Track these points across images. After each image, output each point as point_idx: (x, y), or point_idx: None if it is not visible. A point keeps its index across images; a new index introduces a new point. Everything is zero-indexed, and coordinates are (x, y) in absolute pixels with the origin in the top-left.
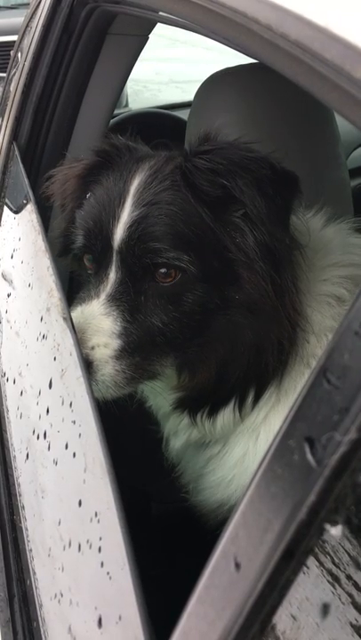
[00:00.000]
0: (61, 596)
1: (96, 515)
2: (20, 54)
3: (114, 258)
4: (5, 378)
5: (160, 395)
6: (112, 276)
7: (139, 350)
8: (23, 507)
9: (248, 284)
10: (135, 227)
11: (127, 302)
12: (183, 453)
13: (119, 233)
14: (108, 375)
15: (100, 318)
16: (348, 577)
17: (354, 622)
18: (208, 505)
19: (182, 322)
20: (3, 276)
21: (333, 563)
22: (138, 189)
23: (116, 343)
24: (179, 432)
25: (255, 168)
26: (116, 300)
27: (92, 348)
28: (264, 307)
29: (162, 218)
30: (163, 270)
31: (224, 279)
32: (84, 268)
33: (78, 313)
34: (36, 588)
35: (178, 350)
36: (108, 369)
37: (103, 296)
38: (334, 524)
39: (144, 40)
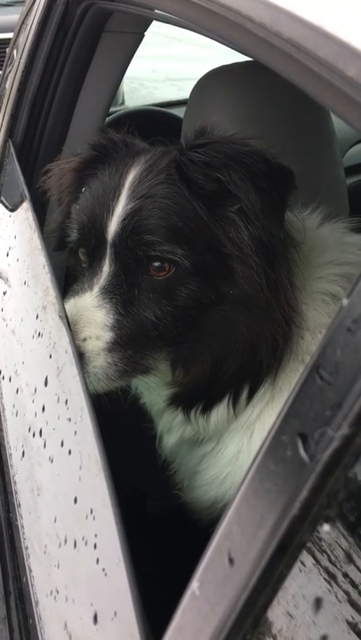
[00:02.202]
0: (57, 592)
1: (92, 512)
2: (15, 52)
3: (108, 251)
4: (1, 376)
5: (154, 391)
6: (105, 269)
7: (131, 343)
8: (19, 504)
9: (242, 279)
10: (129, 220)
11: (120, 295)
12: (177, 450)
13: (113, 226)
14: (99, 367)
15: (93, 310)
16: (345, 575)
17: (350, 620)
18: (202, 502)
19: (176, 316)
20: None
21: (330, 561)
22: (133, 183)
23: (108, 335)
24: (173, 429)
25: (250, 162)
26: (110, 292)
27: (84, 339)
28: (258, 302)
29: (156, 211)
30: (156, 264)
31: (218, 274)
32: (79, 262)
33: (71, 305)
34: (32, 585)
35: (171, 345)
36: (99, 361)
37: (96, 289)
38: (328, 520)
39: (140, 37)
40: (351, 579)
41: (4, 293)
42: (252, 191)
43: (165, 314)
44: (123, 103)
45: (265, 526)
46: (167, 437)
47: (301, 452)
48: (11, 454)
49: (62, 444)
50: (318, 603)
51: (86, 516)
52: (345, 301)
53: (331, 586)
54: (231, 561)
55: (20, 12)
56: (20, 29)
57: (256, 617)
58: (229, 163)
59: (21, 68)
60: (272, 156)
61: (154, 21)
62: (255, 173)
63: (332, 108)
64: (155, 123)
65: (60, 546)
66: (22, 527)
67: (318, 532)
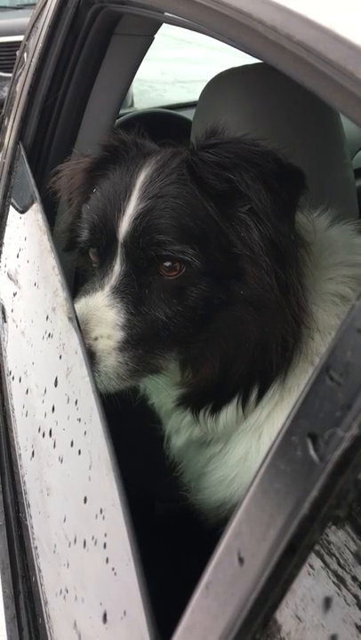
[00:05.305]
0: (66, 592)
1: (101, 511)
2: (26, 54)
3: (119, 250)
4: (11, 376)
5: (163, 391)
6: (117, 268)
7: (142, 343)
8: (29, 504)
9: (253, 280)
10: (140, 219)
11: (131, 295)
12: (185, 452)
13: (124, 226)
14: (110, 367)
15: (104, 310)
16: (354, 578)
17: (359, 623)
18: (210, 504)
19: (186, 316)
20: (8, 275)
21: (339, 564)
22: (144, 183)
23: (119, 335)
24: (181, 430)
25: (261, 162)
26: (121, 292)
27: (95, 338)
28: (268, 302)
29: (167, 211)
30: (167, 263)
31: (229, 274)
32: (89, 262)
33: (82, 304)
34: (41, 584)
35: (181, 345)
36: (110, 360)
37: (107, 288)
38: (337, 521)
39: (150, 40)
40: None
41: (15, 294)
42: (263, 191)
43: (176, 313)
44: (132, 105)
45: (275, 526)
46: (175, 438)
47: (311, 452)
48: (20, 454)
49: (72, 445)
50: (327, 605)
51: (96, 516)
52: (355, 303)
53: (340, 589)
54: (241, 560)
55: (31, 15)
56: (30, 32)
57: (265, 617)
58: (241, 163)
59: (32, 70)
60: (283, 156)
61: (163, 24)
62: (266, 173)
63: (342, 111)
64: (164, 125)
65: (69, 545)
66: (32, 527)
67: (328, 533)
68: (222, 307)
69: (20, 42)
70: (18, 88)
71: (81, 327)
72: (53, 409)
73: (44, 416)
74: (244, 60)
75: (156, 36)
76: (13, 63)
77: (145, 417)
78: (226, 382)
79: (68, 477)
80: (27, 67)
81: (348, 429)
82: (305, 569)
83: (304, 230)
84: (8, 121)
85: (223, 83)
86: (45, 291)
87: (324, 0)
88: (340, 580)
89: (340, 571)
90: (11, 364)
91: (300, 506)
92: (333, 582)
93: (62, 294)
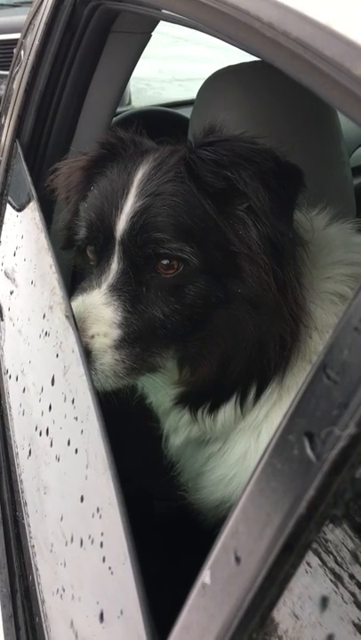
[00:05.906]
0: (63, 591)
1: (98, 510)
2: (22, 52)
3: (116, 248)
4: (8, 375)
5: (161, 390)
6: (114, 266)
7: (139, 341)
8: (25, 503)
9: (251, 278)
10: (138, 217)
11: (128, 293)
12: (183, 451)
13: (122, 223)
14: (107, 365)
15: (101, 307)
16: (351, 576)
17: (356, 621)
18: (208, 503)
19: (183, 314)
20: (5, 273)
21: (336, 562)
22: (142, 181)
23: (115, 333)
24: (179, 429)
25: (259, 160)
26: (118, 290)
27: (92, 336)
28: (266, 301)
29: (165, 209)
30: (165, 261)
31: (227, 272)
32: (86, 260)
33: (79, 302)
34: (38, 583)
35: (179, 343)
36: (107, 358)
37: (104, 286)
38: (334, 520)
39: (147, 38)
40: (358, 580)
41: (12, 293)
42: (261, 189)
43: (173, 312)
44: (130, 103)
45: (271, 525)
46: (173, 437)
47: (308, 451)
48: (17, 453)
49: (69, 443)
50: (324, 604)
51: (92, 515)
52: (352, 301)
53: (337, 587)
54: (238, 560)
55: (28, 13)
56: (27, 30)
57: (262, 616)
58: (239, 161)
59: (29, 68)
60: (281, 154)
61: (161, 21)
62: (265, 172)
63: (339, 108)
64: (161, 123)
65: (66, 544)
66: (28, 526)
67: (325, 532)
68: (220, 305)
69: (17, 39)
70: (15, 86)
71: (78, 325)
72: (50, 407)
73: (41, 415)
74: (242, 57)
75: (153, 33)
76: (10, 61)
77: (143, 416)
78: (224, 381)
79: (65, 476)
80: (24, 64)
81: (345, 428)
82: (302, 567)
83: (302, 229)
84: (5, 119)
85: (221, 80)
86: (42, 289)
87: None
88: (338, 577)
89: (337, 569)
90: (7, 363)
91: (297, 505)
92: (331, 580)
93: (59, 292)
